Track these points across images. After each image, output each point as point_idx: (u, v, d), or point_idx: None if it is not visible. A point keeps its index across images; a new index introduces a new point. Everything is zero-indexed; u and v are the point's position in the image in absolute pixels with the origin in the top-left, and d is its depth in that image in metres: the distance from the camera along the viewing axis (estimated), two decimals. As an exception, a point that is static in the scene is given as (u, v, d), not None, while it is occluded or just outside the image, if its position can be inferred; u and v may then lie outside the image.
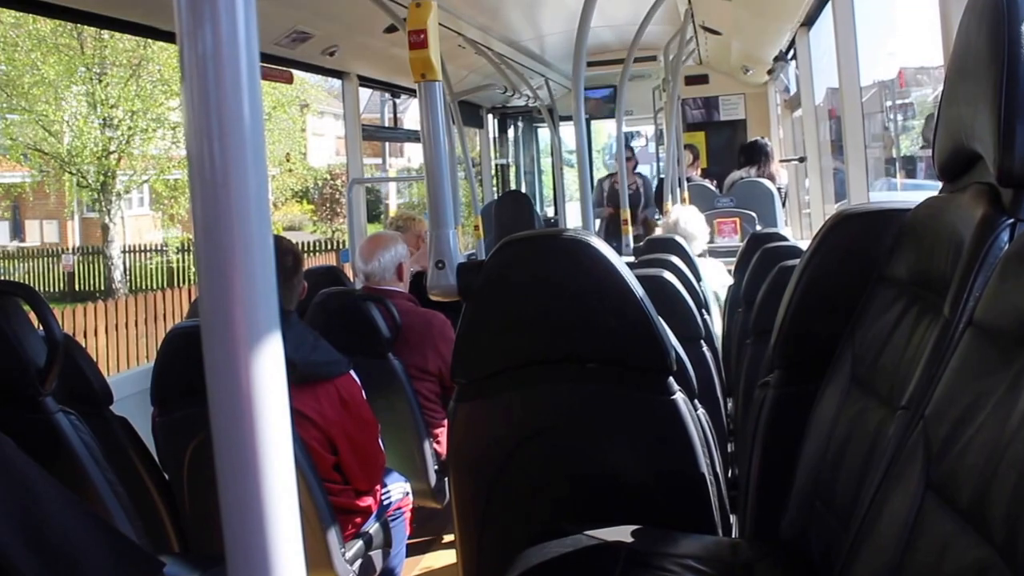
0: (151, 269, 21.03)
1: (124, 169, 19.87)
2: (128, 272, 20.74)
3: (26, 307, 2.43)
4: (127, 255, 20.92)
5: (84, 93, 19.25)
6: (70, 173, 19.77)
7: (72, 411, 2.41)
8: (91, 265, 20.95)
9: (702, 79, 9.18)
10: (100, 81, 19.09)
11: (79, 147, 19.03)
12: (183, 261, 20.96)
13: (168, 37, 4.34)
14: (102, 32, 17.65)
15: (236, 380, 0.79)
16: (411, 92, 6.88)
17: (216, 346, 0.79)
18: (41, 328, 2.42)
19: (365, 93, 6.18)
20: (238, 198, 0.78)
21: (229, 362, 0.79)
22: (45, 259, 21.65)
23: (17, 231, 24.59)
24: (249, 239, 0.79)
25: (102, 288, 19.86)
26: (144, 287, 19.58)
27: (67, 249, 22.21)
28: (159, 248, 21.40)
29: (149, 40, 17.43)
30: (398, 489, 3.26)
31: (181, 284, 18.45)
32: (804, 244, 4.23)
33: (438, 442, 3.71)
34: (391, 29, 4.94)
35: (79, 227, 23.86)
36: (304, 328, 2.82)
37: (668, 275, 3.30)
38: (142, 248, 21.45)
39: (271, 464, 0.80)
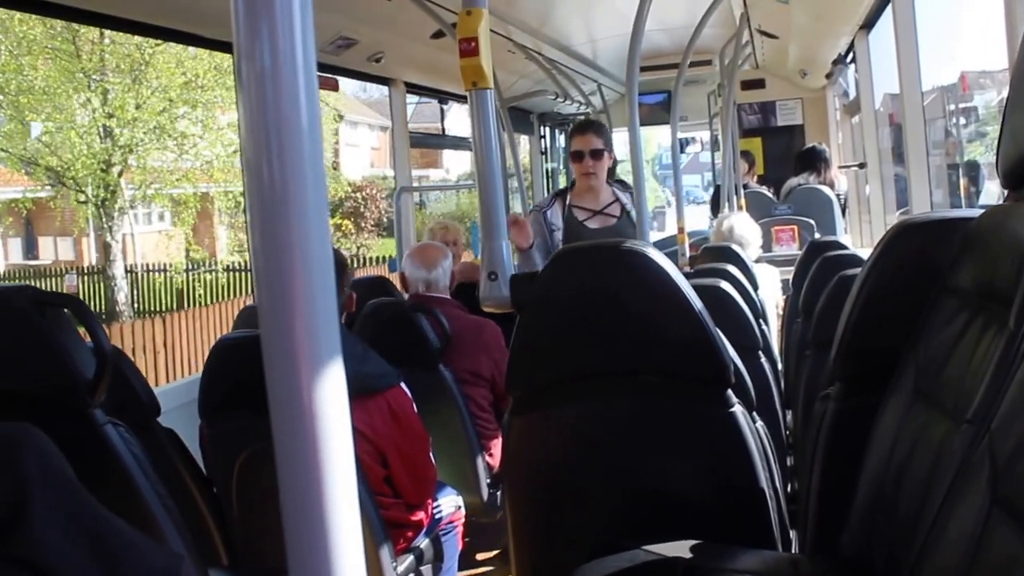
0: (157, 289, 20.44)
1: (130, 183, 19.32)
2: (137, 293, 20.19)
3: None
4: (133, 274, 20.38)
5: (81, 102, 18.39)
6: (68, 188, 18.97)
7: (121, 423, 2.46)
8: (98, 285, 20.21)
9: (759, 83, 9.13)
10: (94, 88, 18.27)
11: (71, 159, 18.23)
12: (189, 281, 20.37)
13: (206, 43, 4.42)
14: (102, 34, 16.91)
15: (297, 393, 0.81)
16: (458, 98, 6.92)
17: (277, 360, 0.82)
18: (90, 340, 2.48)
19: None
20: (297, 212, 0.81)
21: (290, 376, 0.81)
22: (51, 279, 20.83)
23: (31, 248, 23.93)
24: (309, 252, 0.81)
25: (104, 311, 19.02)
26: (151, 310, 18.96)
27: (81, 268, 21.69)
28: (169, 267, 20.78)
29: (151, 43, 16.63)
30: (450, 503, 3.28)
31: (189, 306, 17.81)
32: (865, 252, 4.20)
33: (490, 454, 3.73)
34: (438, 35, 4.99)
35: (95, 244, 22.56)
36: (353, 339, 2.86)
37: (725, 285, 3.30)
38: (152, 267, 20.92)
39: (333, 478, 0.82)
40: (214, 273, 20.37)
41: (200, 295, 19.59)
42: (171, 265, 20.77)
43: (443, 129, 8.46)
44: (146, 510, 2.41)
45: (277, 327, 0.81)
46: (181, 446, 2.72)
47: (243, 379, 2.61)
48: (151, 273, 20.89)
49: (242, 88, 0.80)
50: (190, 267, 20.87)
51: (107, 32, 14.27)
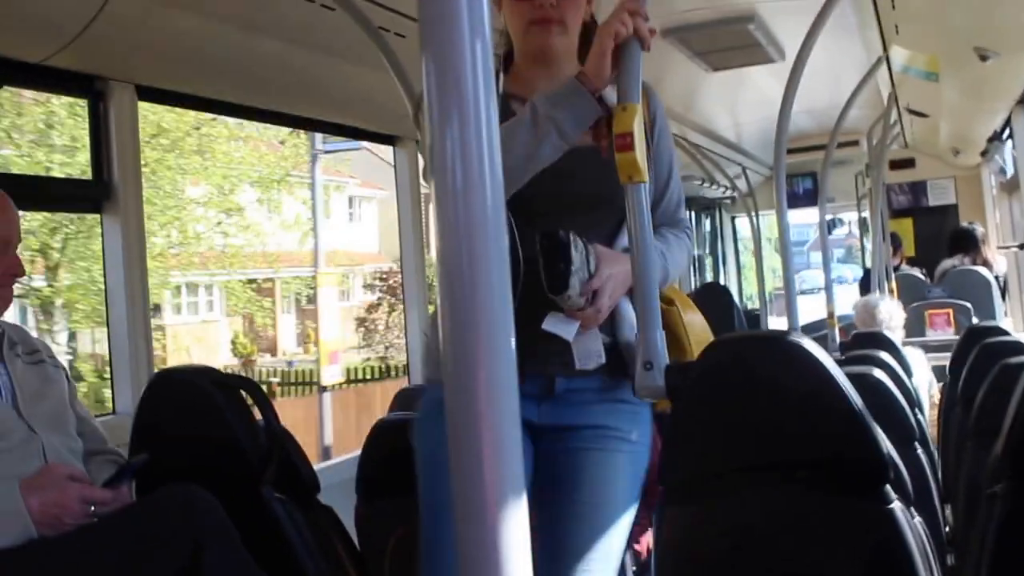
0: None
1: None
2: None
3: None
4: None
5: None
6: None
7: (286, 499, 2.58)
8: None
9: (908, 163, 8.97)
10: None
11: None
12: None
13: (370, 136, 4.67)
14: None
15: (480, 474, 0.86)
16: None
17: (461, 438, 0.87)
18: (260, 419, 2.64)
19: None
20: (485, 311, 0.87)
21: (473, 455, 0.87)
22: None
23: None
24: (495, 346, 0.87)
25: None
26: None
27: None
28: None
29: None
30: (597, 591, 3.27)
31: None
32: (1028, 338, 4.08)
33: (636, 542, 3.71)
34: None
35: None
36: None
37: (878, 372, 3.25)
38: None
39: (510, 564, 0.87)
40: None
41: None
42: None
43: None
44: (308, 585, 2.51)
45: (463, 415, 0.87)
46: (338, 523, 2.82)
47: (400, 461, 2.70)
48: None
49: (438, 208, 0.87)
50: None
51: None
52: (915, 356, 4.89)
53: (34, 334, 2.87)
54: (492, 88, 0.86)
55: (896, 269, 7.75)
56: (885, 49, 4.94)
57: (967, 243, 7.52)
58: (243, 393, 2.67)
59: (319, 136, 14.84)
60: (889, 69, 5.40)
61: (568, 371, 2.14)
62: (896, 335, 4.84)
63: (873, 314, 4.94)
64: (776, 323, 8.52)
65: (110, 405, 3.39)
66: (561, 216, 2.09)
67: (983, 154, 7.87)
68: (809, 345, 2.01)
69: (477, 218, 0.86)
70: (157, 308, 18.14)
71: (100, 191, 3.26)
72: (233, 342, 21.52)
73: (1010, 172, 7.18)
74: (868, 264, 7.92)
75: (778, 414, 2.04)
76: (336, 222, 23.06)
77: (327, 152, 17.37)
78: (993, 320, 6.27)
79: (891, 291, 6.87)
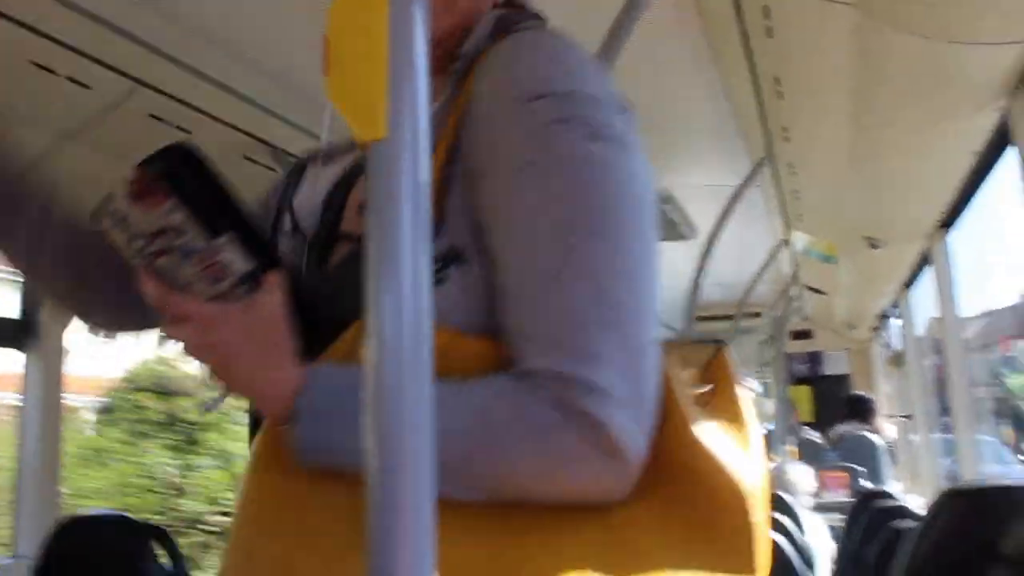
0: None
1: None
2: None
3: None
4: None
5: None
6: None
7: None
8: None
9: (806, 335, 9.17)
10: None
11: None
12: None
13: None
14: None
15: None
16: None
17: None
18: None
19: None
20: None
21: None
22: None
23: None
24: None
25: None
26: None
27: None
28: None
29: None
30: None
31: None
32: (913, 500, 4.11)
33: None
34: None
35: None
36: None
37: (774, 535, 3.23)
38: None
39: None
40: None
41: None
42: None
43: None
44: None
45: None
46: None
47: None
48: None
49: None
50: None
51: None
52: (813, 517, 4.91)
53: None
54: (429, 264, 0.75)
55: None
56: (788, 233, 5.11)
57: (861, 409, 7.63)
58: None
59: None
60: (791, 251, 5.57)
61: None
62: (803, 498, 4.87)
63: (783, 480, 4.97)
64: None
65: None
66: None
67: (874, 330, 8.09)
68: None
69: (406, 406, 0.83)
70: None
71: (27, 329, 3.06)
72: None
73: (896, 347, 7.38)
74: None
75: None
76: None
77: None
78: (883, 482, 6.34)
79: (791, 453, 6.93)
